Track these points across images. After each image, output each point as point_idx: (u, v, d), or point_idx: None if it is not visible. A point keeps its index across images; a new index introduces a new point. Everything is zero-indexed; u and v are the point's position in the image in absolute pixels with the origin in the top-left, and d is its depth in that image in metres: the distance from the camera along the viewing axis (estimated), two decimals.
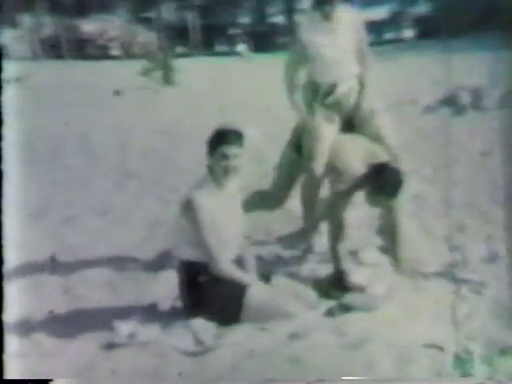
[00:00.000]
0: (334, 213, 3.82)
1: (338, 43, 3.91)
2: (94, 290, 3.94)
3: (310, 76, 4.04)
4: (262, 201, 4.27)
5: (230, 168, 3.36)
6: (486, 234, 4.35)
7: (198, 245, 3.35)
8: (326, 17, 3.90)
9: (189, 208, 3.33)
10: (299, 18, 4.77)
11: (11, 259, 3.71)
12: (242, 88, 9.12)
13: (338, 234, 3.79)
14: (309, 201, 4.10)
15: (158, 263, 4.22)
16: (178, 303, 3.51)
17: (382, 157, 3.78)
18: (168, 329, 3.32)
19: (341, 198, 3.78)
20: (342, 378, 2.94)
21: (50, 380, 3.09)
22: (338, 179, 3.76)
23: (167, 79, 11.39)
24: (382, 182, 3.60)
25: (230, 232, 3.41)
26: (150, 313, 3.57)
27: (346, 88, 4.00)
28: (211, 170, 3.41)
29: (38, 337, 3.36)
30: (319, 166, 3.90)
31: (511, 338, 3.18)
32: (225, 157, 3.35)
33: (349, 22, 3.94)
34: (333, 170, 3.82)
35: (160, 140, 7.81)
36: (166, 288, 3.72)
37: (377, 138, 3.94)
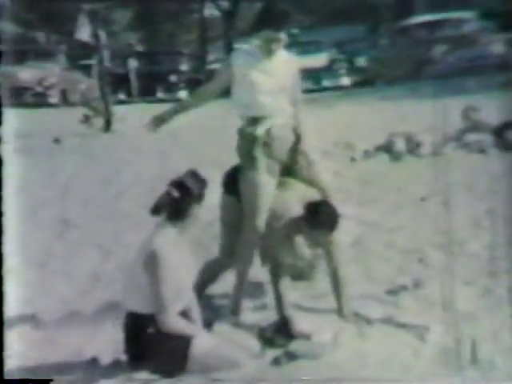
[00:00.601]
0: (274, 257, 3.81)
1: (273, 81, 3.80)
2: (32, 345, 3.80)
3: (244, 117, 3.86)
4: (216, 269, 4.06)
5: (199, 213, 3.33)
6: (427, 278, 4.41)
7: (150, 296, 3.24)
8: (269, 54, 3.78)
9: (152, 259, 3.21)
10: (236, 49, 4.58)
11: None
12: (184, 134, 9.16)
13: (279, 279, 3.79)
14: (248, 250, 3.89)
15: (99, 315, 4.11)
16: (121, 357, 3.42)
17: (318, 197, 3.84)
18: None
19: (280, 242, 3.78)
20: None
21: (51, 380, 3.02)
22: (277, 222, 3.77)
23: (107, 126, 11.35)
24: (319, 216, 3.64)
25: (184, 282, 3.36)
26: (91, 367, 3.46)
27: (281, 125, 3.85)
28: (172, 215, 3.34)
29: None
30: (262, 223, 3.79)
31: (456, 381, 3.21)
32: (198, 201, 3.31)
33: (286, 65, 3.86)
34: (271, 213, 3.81)
35: (100, 188, 7.69)
36: (108, 341, 3.62)
37: (311, 183, 3.94)
